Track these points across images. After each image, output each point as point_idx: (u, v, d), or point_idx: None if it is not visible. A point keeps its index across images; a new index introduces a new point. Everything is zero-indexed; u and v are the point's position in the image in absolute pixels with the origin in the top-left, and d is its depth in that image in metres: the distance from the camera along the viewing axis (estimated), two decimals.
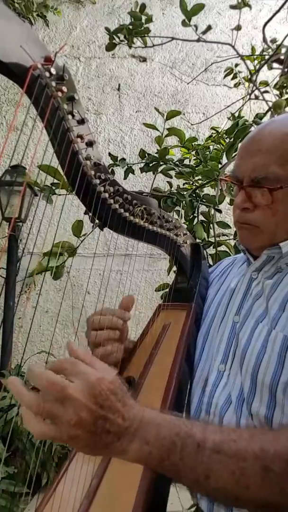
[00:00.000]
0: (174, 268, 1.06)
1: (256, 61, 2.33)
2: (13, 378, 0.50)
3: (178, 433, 0.51)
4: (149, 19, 1.93)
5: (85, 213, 0.73)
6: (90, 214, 0.73)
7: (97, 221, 0.73)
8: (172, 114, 1.70)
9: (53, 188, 1.51)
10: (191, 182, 1.90)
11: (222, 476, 0.50)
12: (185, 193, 1.74)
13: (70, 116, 0.64)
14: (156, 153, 1.87)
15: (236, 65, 2.33)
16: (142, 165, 1.96)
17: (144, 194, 1.82)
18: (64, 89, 0.61)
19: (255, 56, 2.35)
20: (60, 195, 1.34)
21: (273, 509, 0.52)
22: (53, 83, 0.60)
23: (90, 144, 0.68)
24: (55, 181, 1.47)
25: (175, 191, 1.81)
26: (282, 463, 0.50)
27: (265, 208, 0.75)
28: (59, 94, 0.61)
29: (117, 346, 0.83)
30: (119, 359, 0.84)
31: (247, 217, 0.77)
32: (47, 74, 0.59)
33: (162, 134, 1.78)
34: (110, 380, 0.51)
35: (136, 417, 0.51)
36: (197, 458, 0.50)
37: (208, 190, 1.94)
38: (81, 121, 0.65)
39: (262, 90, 2.08)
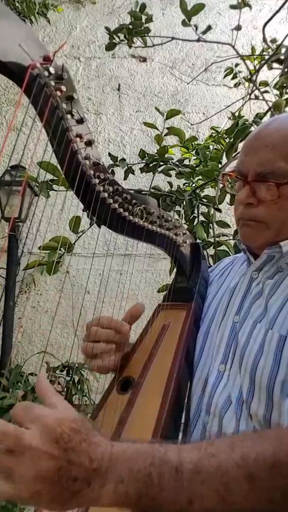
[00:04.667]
0: (175, 269, 1.06)
1: (256, 61, 2.33)
2: None
3: (152, 462, 0.47)
4: (149, 19, 1.93)
5: (83, 210, 0.73)
6: (88, 211, 0.72)
7: (94, 218, 0.73)
8: (172, 114, 1.71)
9: (51, 183, 1.52)
10: (191, 183, 1.90)
11: (206, 497, 0.46)
12: (184, 192, 1.75)
13: (69, 116, 0.64)
14: (156, 153, 1.87)
15: (236, 65, 2.33)
16: (142, 165, 1.96)
17: (143, 192, 1.82)
18: (63, 88, 0.61)
19: (255, 56, 2.35)
20: (58, 191, 1.35)
21: None
22: (52, 82, 0.60)
23: (89, 143, 0.67)
24: (55, 178, 1.47)
25: (174, 190, 1.82)
26: (266, 467, 0.46)
27: (270, 203, 0.74)
28: (58, 93, 0.61)
29: (114, 358, 0.82)
30: (116, 368, 0.84)
31: (252, 212, 0.76)
32: (46, 73, 0.59)
33: (161, 133, 1.78)
34: (70, 418, 0.46)
35: (105, 455, 0.46)
36: (176, 484, 0.46)
37: (208, 191, 1.94)
38: (80, 121, 0.65)
39: (262, 90, 2.08)
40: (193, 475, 0.46)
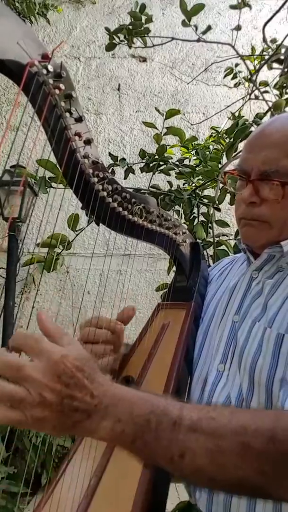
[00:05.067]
0: (174, 268, 1.05)
1: (256, 61, 2.33)
2: None
3: (153, 410, 0.49)
4: (149, 19, 1.93)
5: (82, 208, 0.72)
6: (87, 210, 0.72)
7: (93, 217, 0.72)
8: (171, 113, 1.70)
9: (49, 181, 1.51)
10: (191, 183, 1.90)
11: (198, 454, 0.47)
12: (184, 192, 1.74)
13: (67, 114, 0.63)
14: (155, 153, 1.87)
15: (236, 65, 2.33)
16: (142, 165, 1.96)
17: (142, 191, 1.82)
18: (62, 86, 0.61)
19: (255, 56, 2.35)
20: (57, 188, 1.34)
21: (252, 490, 0.49)
22: (51, 81, 0.60)
23: (88, 142, 0.67)
24: (53, 176, 1.47)
25: (174, 189, 1.82)
26: (263, 439, 0.47)
27: (273, 202, 0.73)
28: (57, 91, 0.60)
29: (108, 359, 0.80)
30: (114, 370, 0.83)
31: (254, 212, 0.75)
32: (44, 71, 0.58)
33: (161, 133, 1.78)
34: (75, 356, 0.48)
35: (107, 393, 0.49)
36: (172, 436, 0.47)
37: (208, 192, 1.94)
38: (79, 119, 0.65)
39: (262, 90, 2.08)
40: (189, 431, 0.48)
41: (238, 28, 2.17)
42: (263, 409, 0.62)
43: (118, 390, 0.50)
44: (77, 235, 1.52)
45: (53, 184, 1.52)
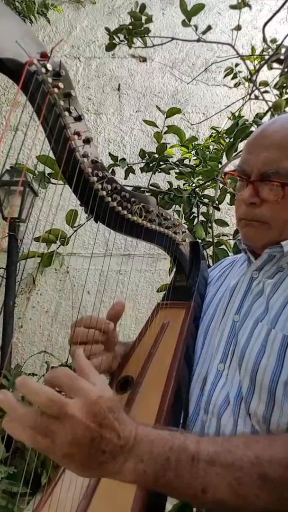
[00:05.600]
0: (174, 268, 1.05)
1: (256, 61, 2.33)
2: (5, 392, 0.48)
3: (172, 447, 0.50)
4: (149, 19, 1.93)
5: (81, 205, 0.72)
6: (86, 208, 0.72)
7: (92, 215, 0.72)
8: (172, 112, 1.70)
9: (48, 177, 1.51)
10: (191, 183, 1.90)
11: (219, 488, 0.49)
12: (183, 191, 1.74)
13: (66, 113, 0.63)
14: (155, 152, 1.87)
15: (236, 65, 2.33)
16: (142, 165, 1.96)
17: (141, 189, 1.82)
18: (61, 85, 0.61)
19: (255, 56, 2.35)
20: (57, 184, 1.34)
21: None
22: (50, 79, 0.60)
23: (87, 141, 0.67)
24: (52, 172, 1.47)
25: (173, 188, 1.82)
26: (279, 468, 0.49)
27: (273, 203, 0.73)
28: (56, 90, 0.60)
29: (102, 359, 0.80)
30: (107, 369, 0.83)
31: (255, 213, 0.75)
32: (44, 70, 0.58)
33: (161, 132, 1.78)
34: (108, 397, 0.50)
35: (131, 434, 0.50)
36: (192, 472, 0.50)
37: (208, 191, 1.94)
38: (78, 118, 0.65)
39: (262, 90, 2.08)
40: (209, 465, 0.50)
41: (238, 28, 2.17)
42: (275, 435, 0.62)
43: (139, 430, 0.52)
44: (75, 230, 1.52)
45: (53, 181, 1.52)
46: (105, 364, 0.81)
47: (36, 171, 1.53)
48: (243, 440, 0.54)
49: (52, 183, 1.50)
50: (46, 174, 1.51)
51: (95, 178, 0.70)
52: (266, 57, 2.15)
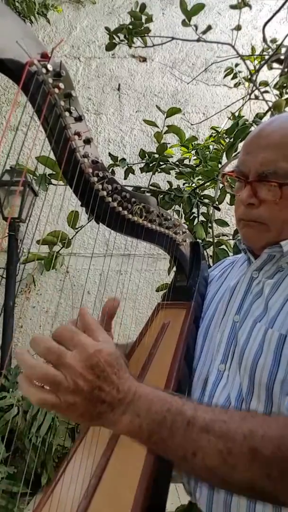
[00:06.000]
0: (174, 268, 1.05)
1: (256, 61, 2.33)
2: (22, 350, 0.51)
3: (169, 409, 0.52)
4: (149, 19, 1.93)
5: (82, 205, 0.72)
6: (87, 208, 0.72)
7: (92, 216, 0.72)
8: (172, 112, 1.70)
9: (49, 178, 1.51)
10: (191, 183, 1.90)
11: (209, 454, 0.50)
12: (184, 191, 1.74)
13: (67, 113, 0.63)
14: (156, 152, 1.87)
15: (236, 65, 2.33)
16: (142, 165, 1.96)
17: (141, 189, 1.82)
18: (61, 85, 0.60)
19: (255, 56, 2.35)
20: (58, 185, 1.34)
21: (259, 494, 0.52)
22: (50, 80, 0.59)
23: (87, 141, 0.67)
24: (53, 173, 1.47)
25: (173, 188, 1.82)
26: (271, 446, 0.50)
27: (272, 204, 0.73)
28: (56, 90, 0.60)
29: None
30: None
31: (253, 213, 0.75)
32: (44, 70, 0.58)
33: (161, 131, 1.78)
34: (107, 352, 0.51)
35: (130, 390, 0.52)
36: (185, 434, 0.51)
37: (208, 191, 1.93)
38: (79, 118, 0.65)
39: (262, 90, 2.08)
40: (202, 431, 0.51)
41: (238, 28, 2.17)
42: (274, 416, 0.63)
43: (140, 388, 0.54)
44: (76, 232, 1.51)
45: (53, 182, 1.52)
46: None
47: (36, 172, 1.53)
48: (240, 414, 0.56)
49: (53, 184, 1.50)
50: (47, 175, 1.51)
51: (95, 179, 0.70)
52: (266, 57, 2.15)
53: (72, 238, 1.49)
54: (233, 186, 0.85)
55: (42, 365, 0.49)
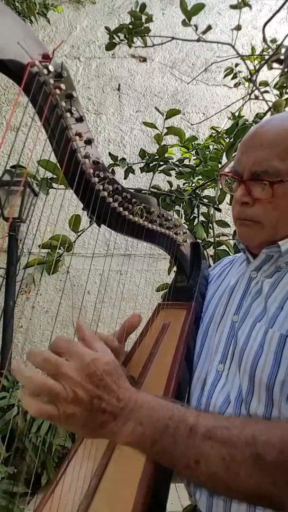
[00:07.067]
0: (174, 268, 1.05)
1: (256, 61, 2.33)
2: (18, 363, 0.50)
3: (172, 416, 0.52)
4: (149, 19, 1.93)
5: (83, 209, 0.72)
6: (88, 210, 0.72)
7: (93, 217, 0.72)
8: (172, 113, 1.70)
9: (50, 181, 1.51)
10: (191, 183, 1.90)
11: (212, 461, 0.50)
12: (184, 192, 1.74)
13: (68, 114, 0.63)
14: (156, 153, 1.87)
15: (236, 65, 2.33)
16: (142, 165, 1.96)
17: (142, 192, 1.82)
18: (63, 86, 0.61)
19: (255, 56, 2.35)
20: (58, 189, 1.34)
21: (266, 501, 0.51)
22: (51, 80, 0.60)
23: (88, 142, 0.67)
24: (54, 177, 1.47)
25: (174, 189, 1.82)
26: (273, 451, 0.49)
27: (265, 202, 0.74)
28: (57, 91, 0.60)
29: None
30: None
31: (247, 212, 0.76)
32: (45, 71, 0.58)
33: (161, 133, 1.78)
34: (105, 361, 0.51)
35: (131, 398, 0.52)
36: (188, 442, 0.51)
37: (208, 192, 1.93)
38: (80, 119, 0.65)
39: (262, 90, 2.08)
40: (205, 438, 0.51)
41: (238, 28, 2.17)
42: (275, 421, 0.63)
43: (140, 396, 0.53)
44: (78, 236, 1.51)
45: (54, 185, 1.52)
46: None
47: (37, 176, 1.53)
48: (242, 420, 0.56)
49: (54, 188, 1.50)
50: (48, 179, 1.51)
51: (96, 179, 0.70)
52: (266, 57, 2.15)
53: (74, 241, 1.49)
54: (232, 186, 0.85)
55: (39, 375, 0.49)
